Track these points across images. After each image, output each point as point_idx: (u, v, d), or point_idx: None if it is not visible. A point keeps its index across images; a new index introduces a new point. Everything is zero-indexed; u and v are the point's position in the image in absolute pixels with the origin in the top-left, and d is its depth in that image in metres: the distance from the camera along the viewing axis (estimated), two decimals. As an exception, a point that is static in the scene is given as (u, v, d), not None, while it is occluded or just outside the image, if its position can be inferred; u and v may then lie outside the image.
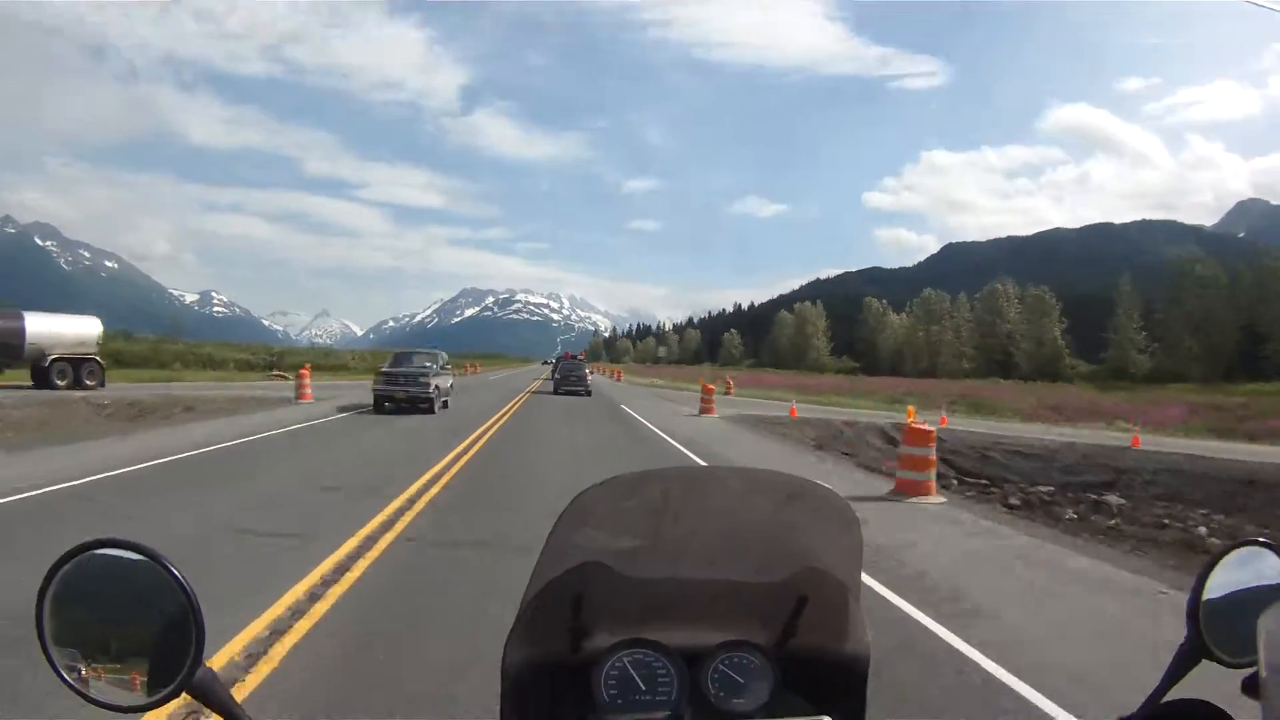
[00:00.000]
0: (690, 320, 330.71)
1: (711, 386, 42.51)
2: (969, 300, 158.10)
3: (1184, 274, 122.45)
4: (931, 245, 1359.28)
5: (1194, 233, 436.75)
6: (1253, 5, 19.71)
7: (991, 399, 74.26)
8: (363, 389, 36.99)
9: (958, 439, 33.03)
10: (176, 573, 1.31)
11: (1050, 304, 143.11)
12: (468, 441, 21.63)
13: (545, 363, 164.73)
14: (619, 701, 1.76)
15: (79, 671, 1.30)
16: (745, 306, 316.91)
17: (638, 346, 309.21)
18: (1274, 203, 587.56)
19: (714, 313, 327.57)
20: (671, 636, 1.83)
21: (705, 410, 39.18)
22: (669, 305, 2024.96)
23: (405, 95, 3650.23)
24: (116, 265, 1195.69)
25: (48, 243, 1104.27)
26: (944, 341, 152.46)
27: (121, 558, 1.34)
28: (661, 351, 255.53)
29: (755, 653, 1.84)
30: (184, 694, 1.28)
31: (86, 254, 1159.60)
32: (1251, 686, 1.31)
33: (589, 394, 54.86)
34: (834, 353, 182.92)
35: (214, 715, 1.30)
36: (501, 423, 29.01)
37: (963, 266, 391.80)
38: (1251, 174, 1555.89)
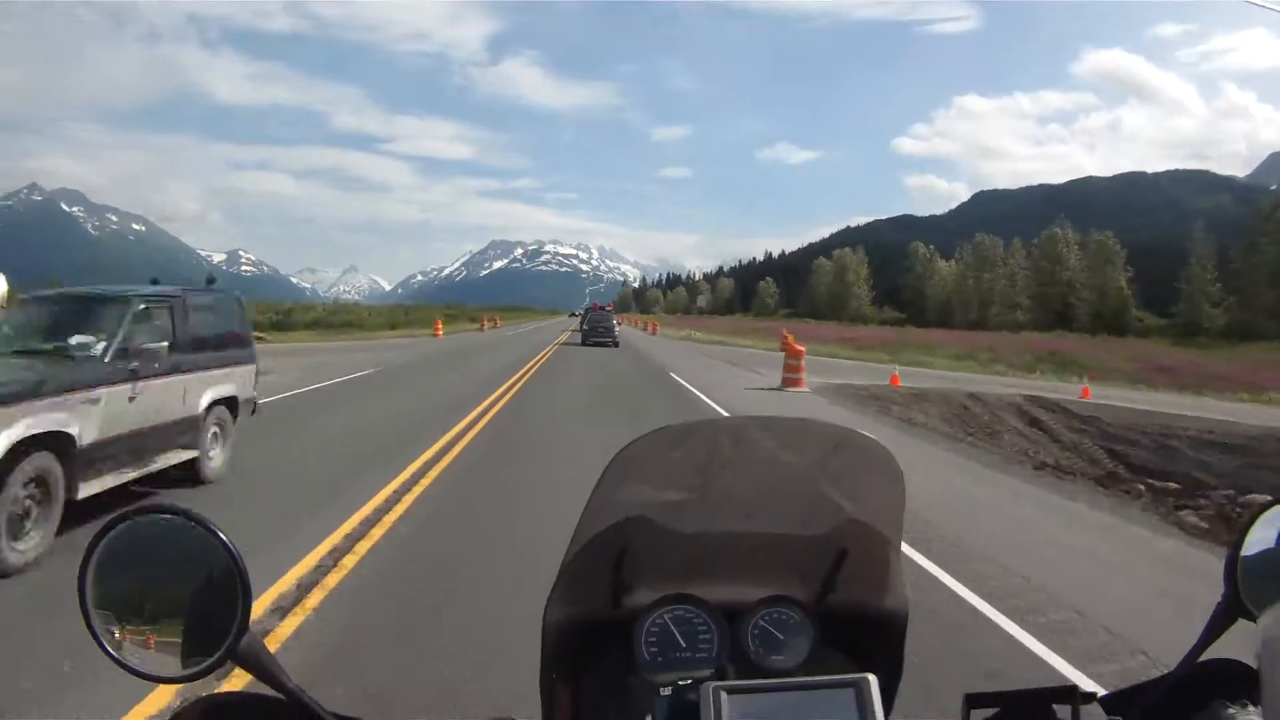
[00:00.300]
0: (720, 269, 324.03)
1: (800, 347, 30.95)
2: (1025, 246, 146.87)
3: (1265, 218, 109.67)
4: (962, 193, 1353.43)
5: (1227, 184, 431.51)
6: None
7: (1078, 355, 65.97)
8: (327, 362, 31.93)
9: (1119, 419, 25.83)
10: (223, 536, 1.29)
11: (1114, 250, 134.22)
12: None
13: (573, 314, 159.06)
14: (659, 660, 1.73)
15: (121, 641, 1.27)
16: (776, 254, 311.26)
17: (668, 296, 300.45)
18: None
19: (744, 261, 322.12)
20: (712, 592, 1.80)
21: (792, 381, 29.57)
22: (699, 254, 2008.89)
23: (432, 46, 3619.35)
24: (144, 228, 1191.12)
25: (74, 208, 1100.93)
26: (997, 290, 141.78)
27: (165, 522, 1.32)
28: (702, 301, 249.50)
29: (795, 608, 1.81)
30: (229, 662, 1.26)
31: (114, 218, 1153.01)
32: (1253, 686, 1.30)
33: (616, 345, 55.73)
34: (873, 302, 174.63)
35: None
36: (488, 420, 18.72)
37: (995, 213, 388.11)
38: None
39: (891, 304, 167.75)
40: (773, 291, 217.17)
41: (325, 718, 1.22)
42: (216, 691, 1.31)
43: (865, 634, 1.84)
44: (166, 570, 1.30)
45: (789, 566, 1.84)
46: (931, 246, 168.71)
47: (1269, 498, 1.60)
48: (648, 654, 1.72)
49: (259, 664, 1.26)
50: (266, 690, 1.29)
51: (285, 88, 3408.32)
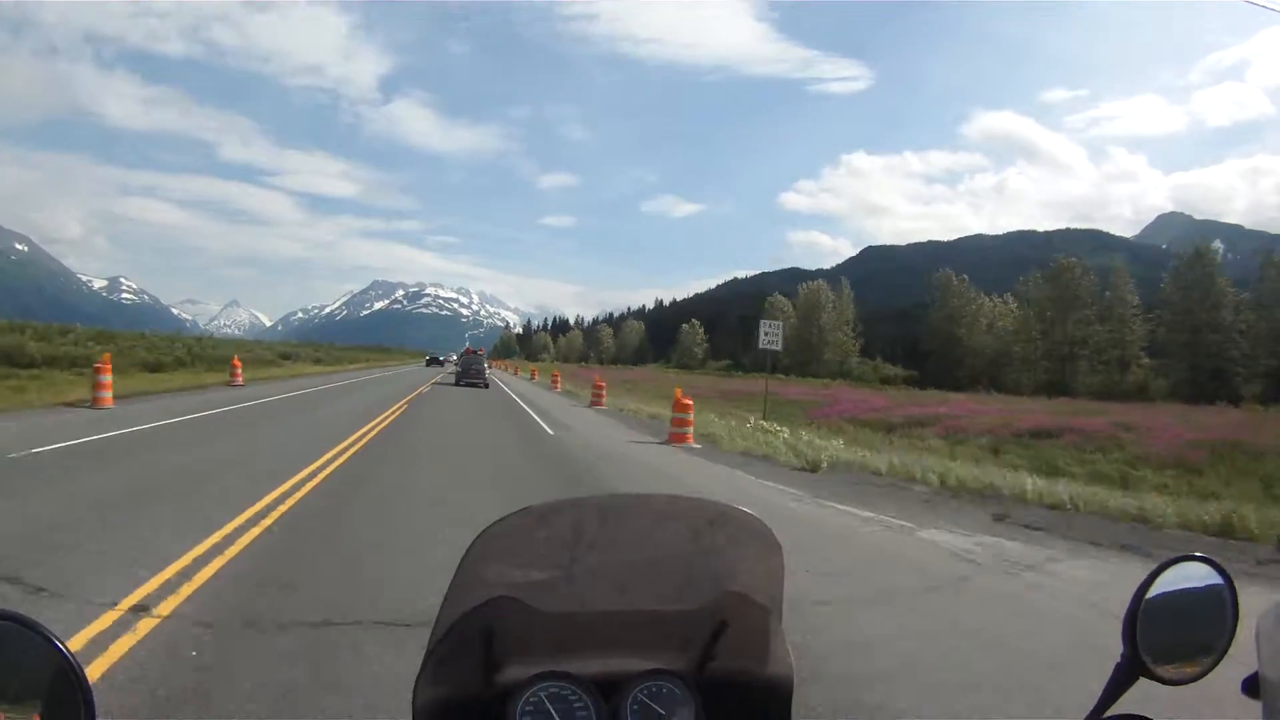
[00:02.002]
0: (597, 318, 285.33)
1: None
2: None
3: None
4: (846, 249, 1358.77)
5: (1120, 243, 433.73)
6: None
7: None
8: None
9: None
10: (61, 644, 1.20)
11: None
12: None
13: (433, 360, 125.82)
14: None
15: None
16: (652, 305, 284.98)
17: (559, 341, 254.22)
18: (1196, 217, 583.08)
19: (626, 310, 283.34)
20: (588, 667, 1.74)
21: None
22: (579, 303, 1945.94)
23: (325, 82, 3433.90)
24: (26, 248, 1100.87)
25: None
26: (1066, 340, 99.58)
27: (5, 631, 1.21)
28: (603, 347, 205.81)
29: (675, 680, 1.75)
30: None
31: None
32: (1251, 686, 1.33)
33: (487, 386, 55.24)
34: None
35: None
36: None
37: (883, 268, 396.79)
38: (1172, 189, 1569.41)
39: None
40: (700, 338, 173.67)
41: None
42: None
43: (749, 703, 1.79)
44: (8, 683, 1.19)
45: (666, 639, 1.79)
46: (965, 277, 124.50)
47: (1166, 557, 1.61)
48: None
49: None
50: None
51: (176, 113, 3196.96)
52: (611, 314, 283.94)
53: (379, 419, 24.50)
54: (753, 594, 1.70)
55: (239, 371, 39.96)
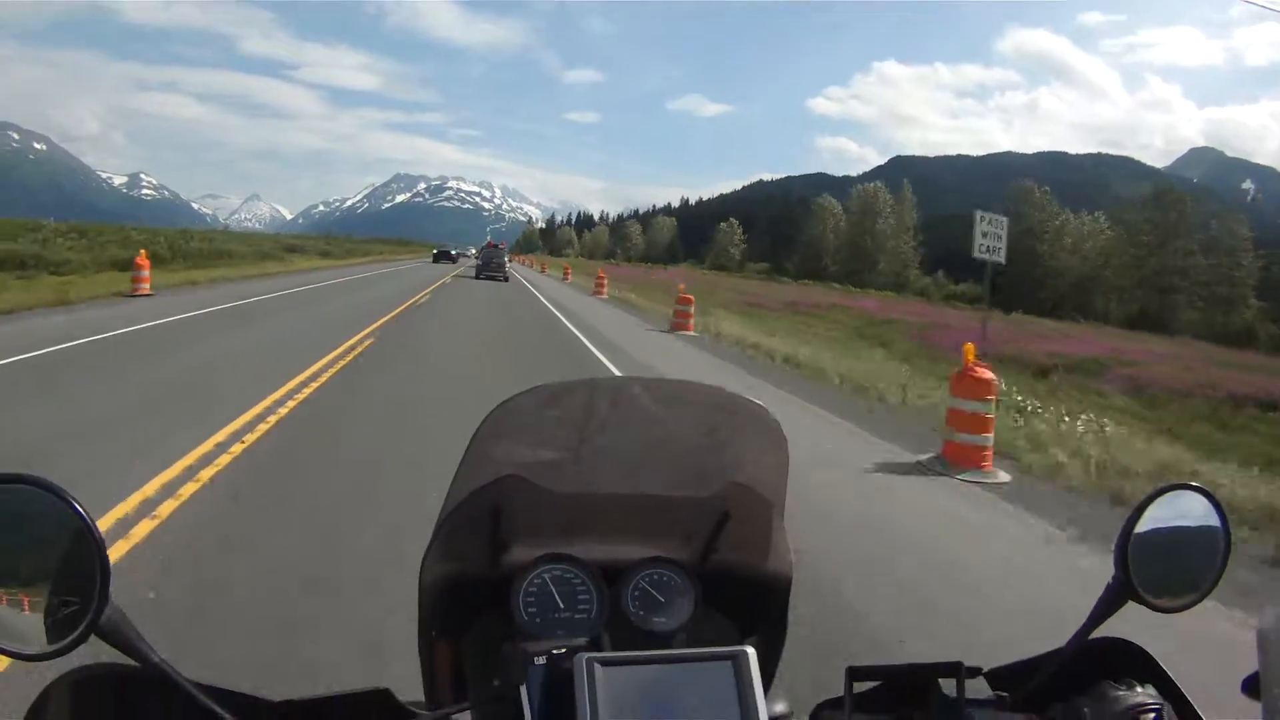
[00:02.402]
0: (622, 215, 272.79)
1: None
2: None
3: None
4: (873, 157, 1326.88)
5: (1151, 172, 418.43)
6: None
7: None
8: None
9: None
10: (79, 506, 1.19)
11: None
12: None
13: (441, 253, 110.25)
14: (538, 620, 1.64)
15: None
16: (677, 204, 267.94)
17: (584, 237, 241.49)
18: (1228, 154, 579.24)
19: (651, 208, 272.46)
20: (592, 552, 1.71)
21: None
22: (602, 199, 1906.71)
23: None
24: (45, 147, 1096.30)
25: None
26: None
27: (16, 492, 1.20)
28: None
29: (676, 569, 1.72)
30: (93, 636, 1.16)
31: (15, 135, 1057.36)
32: (1251, 686, 1.34)
33: (506, 280, 56.04)
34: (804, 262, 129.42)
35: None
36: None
37: (910, 178, 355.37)
38: (1204, 123, 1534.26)
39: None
40: (737, 238, 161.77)
41: (189, 690, 1.18)
42: (80, 666, 1.24)
43: (748, 596, 1.79)
44: (19, 542, 1.21)
45: (670, 528, 1.79)
46: (1046, 189, 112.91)
47: (1158, 485, 1.61)
48: (526, 615, 1.63)
49: (122, 638, 1.19)
50: (131, 663, 1.22)
51: (194, 8, 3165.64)
52: (638, 210, 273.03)
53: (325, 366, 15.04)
54: (757, 486, 1.68)
55: (145, 275, 27.02)
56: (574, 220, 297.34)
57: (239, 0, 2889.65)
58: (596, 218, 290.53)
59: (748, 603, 1.78)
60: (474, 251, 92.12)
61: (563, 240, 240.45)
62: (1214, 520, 1.50)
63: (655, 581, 1.69)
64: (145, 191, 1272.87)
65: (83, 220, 76.63)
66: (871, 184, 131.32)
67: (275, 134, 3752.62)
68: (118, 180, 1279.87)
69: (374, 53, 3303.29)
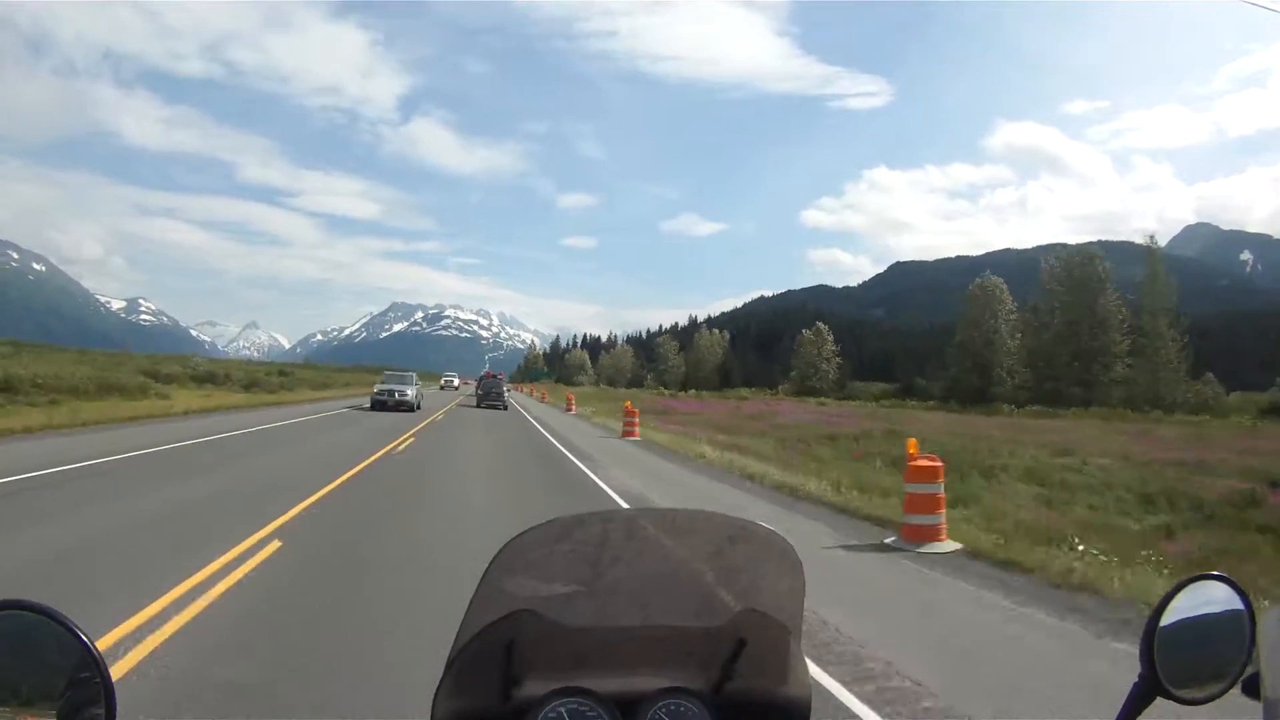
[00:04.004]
0: (614, 338, 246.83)
1: None
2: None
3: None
4: (866, 266, 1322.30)
5: (1144, 253, 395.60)
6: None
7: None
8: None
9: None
10: (85, 636, 1.18)
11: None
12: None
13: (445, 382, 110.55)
14: None
15: None
16: (669, 325, 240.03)
17: (600, 361, 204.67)
18: (1223, 227, 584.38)
19: (645, 331, 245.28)
20: (606, 684, 1.71)
21: None
22: (598, 324, 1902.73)
23: (344, 101, 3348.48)
24: (44, 268, 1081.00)
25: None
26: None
27: (20, 619, 1.19)
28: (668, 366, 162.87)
29: (693, 699, 1.73)
30: None
31: (15, 255, 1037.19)
32: (1252, 686, 1.33)
33: (505, 409, 53.52)
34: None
35: None
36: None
37: (911, 285, 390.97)
38: (1195, 199, 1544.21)
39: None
40: (829, 348, 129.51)
41: None
42: None
43: None
44: (23, 672, 1.18)
45: (686, 657, 1.75)
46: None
47: (1182, 578, 1.57)
48: None
49: None
50: None
51: (195, 134, 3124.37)
52: (643, 332, 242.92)
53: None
54: (773, 613, 1.66)
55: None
56: (581, 343, 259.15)
57: (238, 126, 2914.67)
58: (604, 340, 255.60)
59: None
60: (455, 380, 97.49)
61: (574, 365, 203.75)
62: (1238, 605, 1.47)
63: (673, 712, 1.68)
64: (144, 317, 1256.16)
65: (82, 345, 78.03)
66: (988, 276, 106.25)
67: (273, 262, 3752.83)
68: (116, 305, 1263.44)
69: (372, 180, 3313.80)
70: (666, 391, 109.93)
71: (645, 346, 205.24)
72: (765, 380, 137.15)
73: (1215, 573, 1.51)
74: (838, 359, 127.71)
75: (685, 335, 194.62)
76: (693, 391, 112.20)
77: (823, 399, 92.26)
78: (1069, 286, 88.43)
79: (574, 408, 55.37)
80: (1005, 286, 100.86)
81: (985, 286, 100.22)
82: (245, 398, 49.29)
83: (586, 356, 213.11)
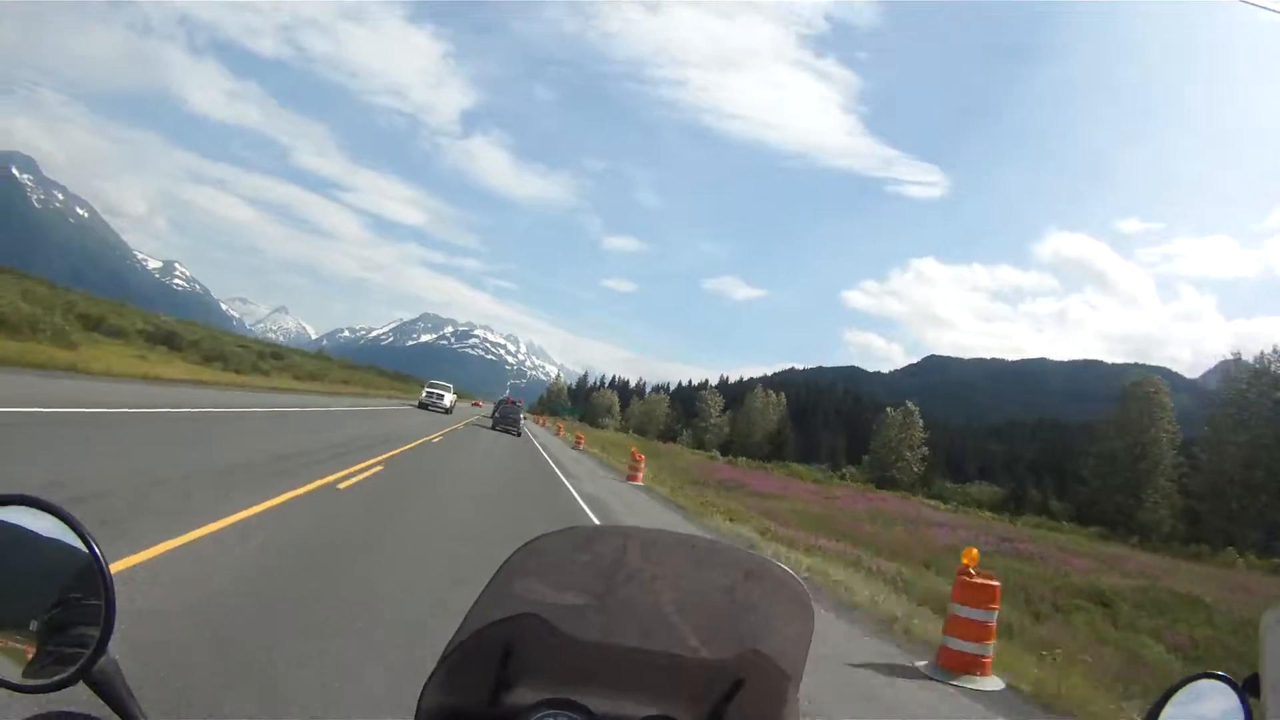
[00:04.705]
0: (644, 385, 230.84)
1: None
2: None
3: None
4: (898, 355, 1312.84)
5: (1184, 384, 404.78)
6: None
7: None
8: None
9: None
10: (94, 544, 1.14)
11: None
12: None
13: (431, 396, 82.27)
14: None
15: None
16: (699, 381, 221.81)
17: (631, 406, 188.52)
18: (1252, 361, 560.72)
19: (676, 383, 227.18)
20: (597, 702, 1.69)
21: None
22: (626, 370, 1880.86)
23: (408, 106, 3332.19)
24: (87, 214, 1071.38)
25: (24, 176, 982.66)
26: None
27: (29, 520, 1.15)
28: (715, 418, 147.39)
29: None
30: (81, 682, 1.11)
31: (60, 196, 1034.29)
32: (1251, 686, 1.34)
33: (519, 435, 54.42)
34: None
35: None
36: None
37: (944, 380, 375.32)
38: (1232, 335, 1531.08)
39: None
40: (916, 432, 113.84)
41: None
42: (59, 712, 1.15)
43: None
44: (23, 570, 1.15)
45: (680, 688, 1.73)
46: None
47: (1183, 676, 1.53)
48: None
49: (112, 691, 1.12)
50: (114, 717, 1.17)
51: (258, 110, 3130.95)
52: (666, 384, 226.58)
53: None
54: (776, 657, 1.63)
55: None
56: (609, 383, 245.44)
57: (300, 111, 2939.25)
58: (633, 385, 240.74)
59: None
60: (447, 398, 79.10)
61: (600, 406, 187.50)
62: (1233, 701, 1.44)
63: None
64: (177, 281, 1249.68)
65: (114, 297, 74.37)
66: (1150, 375, 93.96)
67: (314, 251, 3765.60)
68: (152, 265, 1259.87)
69: (424, 189, 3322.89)
70: (717, 456, 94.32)
71: (681, 398, 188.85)
72: (812, 456, 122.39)
73: (1217, 672, 1.46)
74: (924, 448, 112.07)
75: (729, 392, 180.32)
76: (742, 459, 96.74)
77: (914, 495, 78.94)
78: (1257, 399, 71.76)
79: (639, 473, 37.36)
80: (1167, 389, 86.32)
81: (1146, 386, 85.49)
82: (189, 370, 38.27)
83: (615, 399, 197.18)
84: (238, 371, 49.76)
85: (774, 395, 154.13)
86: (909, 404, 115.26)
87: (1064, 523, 67.84)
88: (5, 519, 1.13)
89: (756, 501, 42.31)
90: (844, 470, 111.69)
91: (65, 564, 1.11)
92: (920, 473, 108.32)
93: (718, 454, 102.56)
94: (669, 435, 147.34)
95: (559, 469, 30.61)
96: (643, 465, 36.09)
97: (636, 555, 1.52)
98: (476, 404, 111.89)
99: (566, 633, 1.58)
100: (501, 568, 1.48)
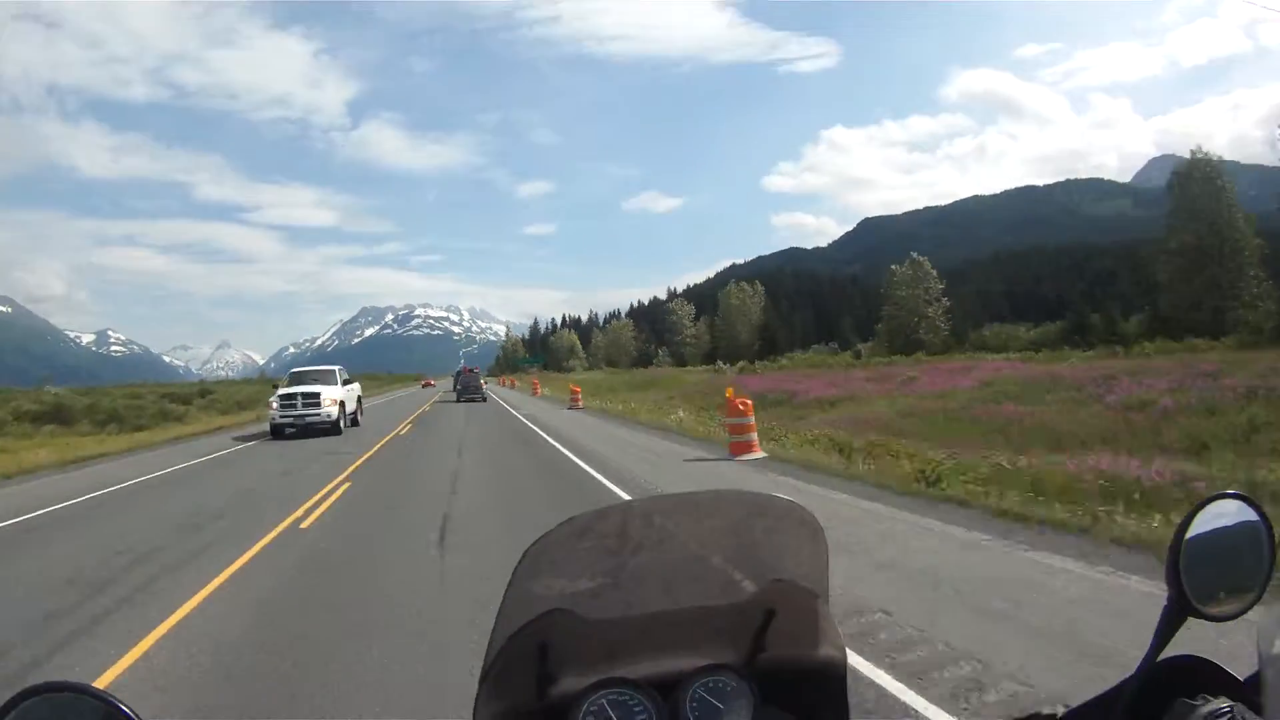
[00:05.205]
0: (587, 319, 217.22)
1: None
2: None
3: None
4: (832, 227, 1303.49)
5: (1122, 189, 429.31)
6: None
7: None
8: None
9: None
10: (118, 702, 1.15)
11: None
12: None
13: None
14: None
15: None
16: (648, 301, 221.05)
17: (595, 340, 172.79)
18: (1187, 157, 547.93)
19: (617, 312, 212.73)
20: (642, 670, 1.71)
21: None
22: (570, 308, 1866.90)
23: (293, 111, 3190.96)
24: (10, 309, 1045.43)
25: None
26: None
27: (70, 701, 1.15)
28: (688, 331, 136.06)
29: (730, 674, 1.72)
30: None
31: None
32: (1251, 686, 1.35)
33: (484, 400, 57.36)
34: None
35: None
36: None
37: (883, 239, 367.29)
38: (1155, 132, 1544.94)
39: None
40: (934, 287, 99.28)
41: None
42: (46, 682, 1.16)
43: (805, 687, 1.77)
44: None
45: (718, 634, 1.76)
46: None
47: (1201, 498, 1.59)
48: None
49: None
50: None
51: (147, 158, 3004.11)
52: (617, 312, 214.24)
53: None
54: (799, 580, 1.67)
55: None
56: (561, 324, 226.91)
57: (189, 147, 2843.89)
58: (584, 320, 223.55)
59: (805, 695, 1.75)
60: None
61: (562, 348, 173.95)
62: (1253, 517, 1.49)
63: (711, 689, 1.68)
64: (114, 348, 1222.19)
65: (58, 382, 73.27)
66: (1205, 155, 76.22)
67: (239, 279, 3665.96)
68: (86, 339, 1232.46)
69: (328, 188, 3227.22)
70: (724, 368, 79.45)
71: (646, 318, 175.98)
72: (802, 343, 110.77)
73: (1230, 491, 1.52)
74: (945, 300, 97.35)
75: (656, 309, 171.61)
76: (739, 365, 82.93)
77: (961, 354, 67.77)
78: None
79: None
80: (1223, 165, 74.97)
81: (1201, 166, 73.08)
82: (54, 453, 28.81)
83: (575, 338, 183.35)
84: (137, 429, 40.55)
85: (749, 286, 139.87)
86: (915, 255, 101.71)
87: (1157, 341, 54.35)
88: (40, 705, 1.13)
89: (827, 415, 30.30)
90: (856, 347, 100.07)
91: None
92: (948, 329, 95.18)
93: (724, 365, 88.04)
94: (644, 360, 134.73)
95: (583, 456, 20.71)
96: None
97: (639, 526, 1.54)
98: (428, 383, 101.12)
99: (593, 616, 1.59)
100: (513, 577, 1.49)
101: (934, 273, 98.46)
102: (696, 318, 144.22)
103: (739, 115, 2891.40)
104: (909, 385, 37.64)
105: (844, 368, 64.28)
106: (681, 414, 31.18)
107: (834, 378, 47.08)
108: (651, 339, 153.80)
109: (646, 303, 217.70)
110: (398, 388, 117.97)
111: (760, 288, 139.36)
